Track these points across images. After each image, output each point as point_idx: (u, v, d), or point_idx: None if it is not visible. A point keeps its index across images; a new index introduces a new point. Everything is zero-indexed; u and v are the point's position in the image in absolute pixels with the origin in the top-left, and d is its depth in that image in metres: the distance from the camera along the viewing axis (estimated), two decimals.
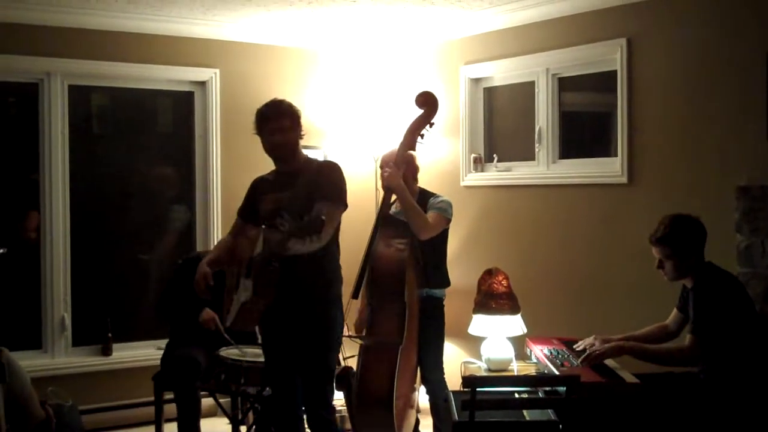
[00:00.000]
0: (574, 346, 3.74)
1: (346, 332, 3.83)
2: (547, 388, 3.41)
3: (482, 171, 5.31)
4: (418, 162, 4.30)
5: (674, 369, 3.52)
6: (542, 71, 4.91)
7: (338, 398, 4.18)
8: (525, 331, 4.23)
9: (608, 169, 4.54)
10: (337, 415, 3.93)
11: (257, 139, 3.61)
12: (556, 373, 3.42)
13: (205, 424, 4.50)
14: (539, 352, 3.76)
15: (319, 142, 5.54)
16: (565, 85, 4.89)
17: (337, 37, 5.64)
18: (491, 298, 4.19)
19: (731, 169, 3.94)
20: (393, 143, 4.16)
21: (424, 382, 4.28)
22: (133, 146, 5.46)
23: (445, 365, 4.30)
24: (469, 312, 4.28)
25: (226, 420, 4.73)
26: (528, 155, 5.05)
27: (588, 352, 3.54)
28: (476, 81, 5.37)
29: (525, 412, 3.35)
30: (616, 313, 4.38)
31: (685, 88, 4.18)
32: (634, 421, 3.28)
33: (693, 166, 4.13)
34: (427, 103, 4.06)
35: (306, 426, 3.67)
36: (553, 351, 3.73)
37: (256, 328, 4.36)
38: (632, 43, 4.38)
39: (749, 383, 3.28)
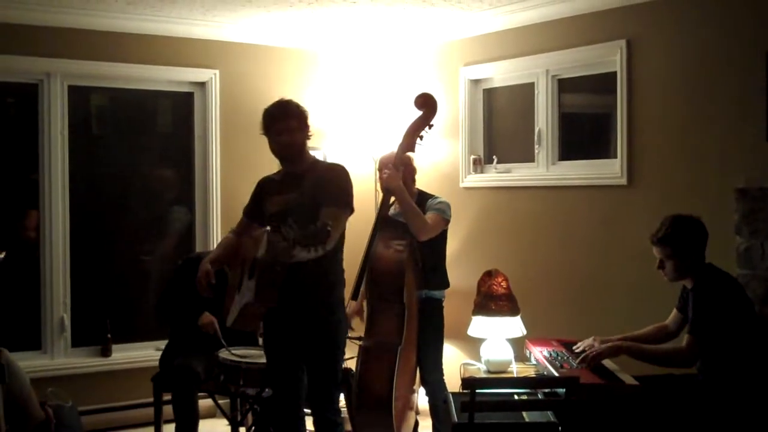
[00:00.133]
0: (574, 348, 3.73)
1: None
2: (547, 390, 3.41)
3: (482, 172, 5.31)
4: (416, 164, 4.30)
5: (674, 371, 3.52)
6: (542, 72, 4.91)
7: None
8: (524, 332, 4.22)
9: (608, 170, 4.54)
10: None
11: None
12: (556, 374, 3.42)
13: (204, 425, 4.50)
14: (539, 353, 3.76)
15: (318, 143, 5.53)
16: (564, 86, 4.89)
17: (337, 38, 5.64)
18: (491, 300, 4.18)
19: (731, 171, 3.93)
20: (392, 144, 4.16)
21: (423, 383, 4.28)
22: (132, 147, 5.46)
23: (444, 367, 4.30)
24: (469, 313, 4.27)
25: (225, 421, 4.73)
26: (528, 157, 5.05)
27: (586, 353, 3.54)
28: (476, 82, 5.37)
29: (524, 414, 3.35)
30: (615, 314, 4.38)
31: (685, 89, 4.18)
32: (634, 423, 3.27)
33: (692, 167, 4.13)
34: (426, 104, 4.06)
35: (306, 426, 3.67)
36: (552, 353, 3.73)
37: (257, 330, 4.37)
38: (632, 44, 4.38)
39: (748, 385, 3.28)
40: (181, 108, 5.54)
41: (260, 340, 4.36)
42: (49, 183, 5.00)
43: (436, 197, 4.24)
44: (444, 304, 4.29)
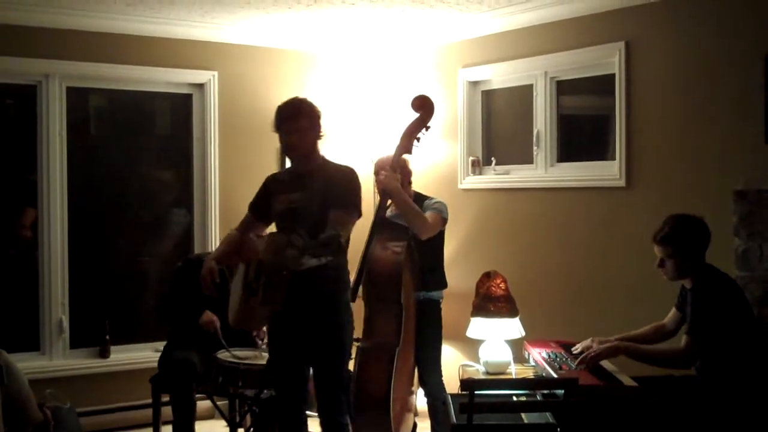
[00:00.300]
0: (572, 349, 3.74)
1: None
2: (546, 391, 3.41)
3: (480, 174, 5.31)
4: (411, 166, 4.29)
5: (673, 372, 3.52)
6: (540, 74, 4.92)
7: None
8: (523, 334, 4.23)
9: (606, 172, 4.55)
10: None
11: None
12: (555, 376, 3.42)
13: (203, 426, 4.50)
14: (537, 355, 3.76)
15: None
16: (563, 88, 4.89)
17: (335, 39, 5.64)
18: (489, 301, 4.19)
19: (730, 173, 3.94)
20: (391, 146, 4.16)
21: (422, 384, 4.28)
22: (131, 148, 5.45)
23: (443, 368, 4.30)
24: (468, 315, 4.28)
25: (223, 423, 4.73)
26: (526, 158, 5.05)
27: (584, 354, 3.54)
28: (474, 84, 5.37)
29: (523, 415, 3.34)
30: (614, 316, 4.38)
31: (683, 91, 4.18)
32: (633, 425, 3.27)
33: (691, 169, 4.13)
34: (423, 106, 4.05)
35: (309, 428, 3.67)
36: (551, 354, 3.73)
37: (256, 331, 4.37)
38: (630, 46, 4.39)
39: (746, 386, 3.28)
40: (179, 109, 5.54)
41: (259, 342, 4.37)
42: (48, 184, 5.00)
43: (432, 198, 4.25)
44: (442, 305, 4.28)
